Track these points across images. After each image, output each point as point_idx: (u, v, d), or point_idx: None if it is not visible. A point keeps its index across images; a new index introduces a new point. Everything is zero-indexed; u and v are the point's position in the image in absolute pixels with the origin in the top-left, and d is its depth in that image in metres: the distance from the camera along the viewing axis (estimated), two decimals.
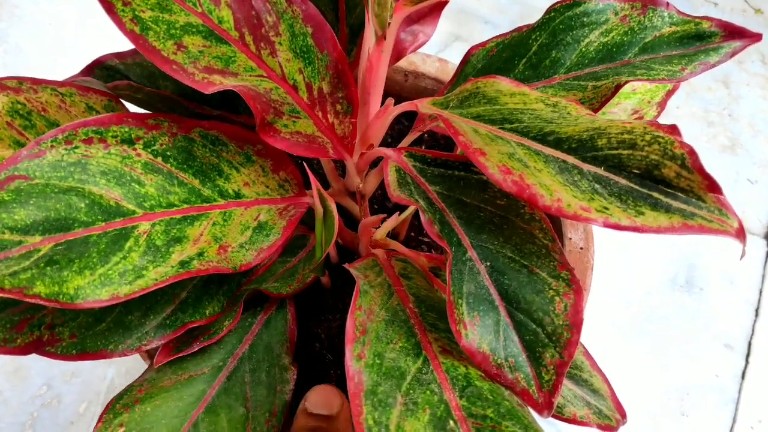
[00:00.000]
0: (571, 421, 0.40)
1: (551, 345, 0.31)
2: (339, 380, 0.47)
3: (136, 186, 0.34)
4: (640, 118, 0.46)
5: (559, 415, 0.40)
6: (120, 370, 0.77)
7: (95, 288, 0.30)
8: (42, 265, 0.29)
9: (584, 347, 0.41)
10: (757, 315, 0.82)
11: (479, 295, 0.32)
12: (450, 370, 0.31)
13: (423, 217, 0.33)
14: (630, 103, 0.48)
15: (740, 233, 0.29)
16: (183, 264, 0.33)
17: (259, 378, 0.43)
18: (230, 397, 0.42)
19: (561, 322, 0.31)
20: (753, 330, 0.81)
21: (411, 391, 0.30)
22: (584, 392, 0.40)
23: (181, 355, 0.41)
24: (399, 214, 0.43)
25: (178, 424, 0.40)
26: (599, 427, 0.39)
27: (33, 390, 0.75)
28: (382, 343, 0.32)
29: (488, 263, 0.33)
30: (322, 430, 0.39)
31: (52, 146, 0.33)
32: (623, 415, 0.40)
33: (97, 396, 0.75)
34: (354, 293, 0.34)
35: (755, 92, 0.98)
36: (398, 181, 0.37)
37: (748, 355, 0.80)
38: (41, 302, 0.28)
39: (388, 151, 0.39)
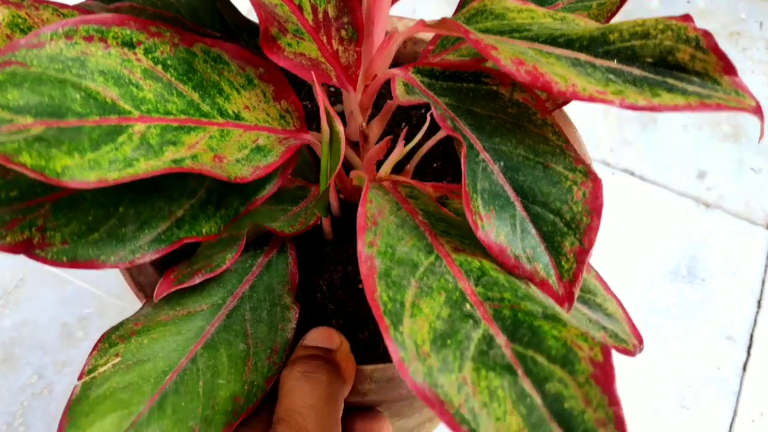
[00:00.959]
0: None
1: (570, 233, 0.30)
2: (341, 329, 0.46)
3: (134, 89, 0.34)
4: None
5: None
6: None
7: (83, 170, 0.29)
8: (31, 140, 0.28)
9: (597, 272, 0.40)
10: (759, 306, 0.81)
11: (494, 192, 0.31)
12: (464, 264, 0.30)
13: (435, 113, 0.32)
14: None
15: (758, 110, 0.28)
16: (175, 161, 0.32)
17: (260, 316, 0.41)
18: (230, 334, 0.40)
19: (580, 209, 0.30)
20: (755, 321, 0.80)
21: (425, 278, 0.29)
22: (599, 316, 0.39)
23: (182, 286, 0.40)
24: (404, 146, 0.42)
25: (176, 357, 0.38)
26: (617, 350, 0.38)
27: (23, 379, 0.73)
28: (393, 238, 0.31)
29: (501, 163, 0.32)
30: (321, 359, 0.38)
31: (51, 39, 0.32)
32: (640, 341, 0.39)
33: None
34: (363, 193, 0.33)
35: (759, 79, 0.98)
36: (406, 92, 0.36)
37: (749, 348, 0.79)
38: (26, 172, 0.27)
39: (394, 71, 0.38)
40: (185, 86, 0.36)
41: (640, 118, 0.95)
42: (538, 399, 0.24)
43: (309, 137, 0.42)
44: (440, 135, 0.48)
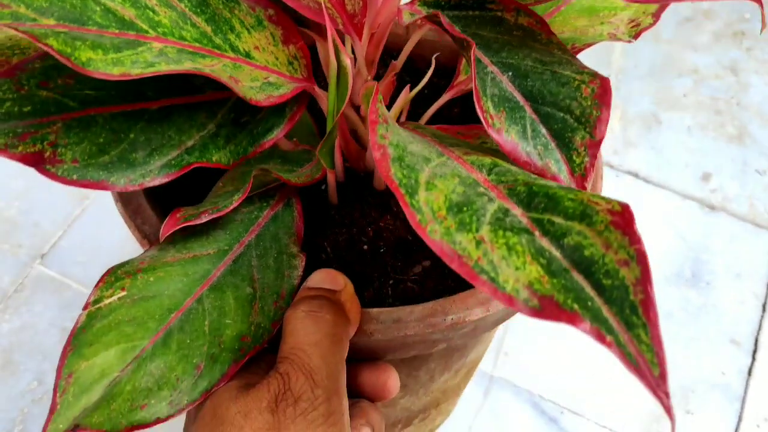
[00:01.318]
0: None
1: (580, 127, 0.30)
2: None
3: (151, 13, 0.34)
4: (637, 25, 0.46)
5: None
6: None
7: (107, 65, 0.29)
8: (57, 31, 0.28)
9: None
10: (764, 310, 0.80)
11: (503, 97, 0.32)
12: (475, 162, 0.30)
13: (443, 21, 0.33)
14: (627, 14, 0.49)
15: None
16: (195, 67, 0.32)
17: (267, 263, 0.41)
18: (237, 278, 0.40)
19: (589, 103, 0.31)
20: (760, 325, 0.79)
21: (437, 168, 0.29)
22: None
23: (188, 224, 0.39)
24: (410, 90, 0.43)
25: (182, 297, 0.38)
26: None
27: (23, 385, 0.72)
28: (404, 140, 0.31)
29: (510, 73, 0.33)
30: (325, 299, 0.37)
31: None
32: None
33: None
34: (371, 104, 0.33)
35: (765, 80, 0.99)
36: (411, 16, 0.37)
37: (754, 352, 0.78)
38: (53, 53, 0.27)
39: (401, 6, 0.39)
40: (199, 18, 0.37)
41: (644, 119, 0.95)
42: (557, 252, 0.23)
43: (317, 89, 0.42)
44: (443, 99, 0.49)
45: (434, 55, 0.45)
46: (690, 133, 0.94)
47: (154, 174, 0.36)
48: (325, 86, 0.42)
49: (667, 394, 0.20)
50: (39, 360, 0.74)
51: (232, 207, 0.40)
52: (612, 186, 0.89)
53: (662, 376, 0.21)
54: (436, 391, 0.55)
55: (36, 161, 0.33)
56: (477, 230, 0.24)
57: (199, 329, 0.37)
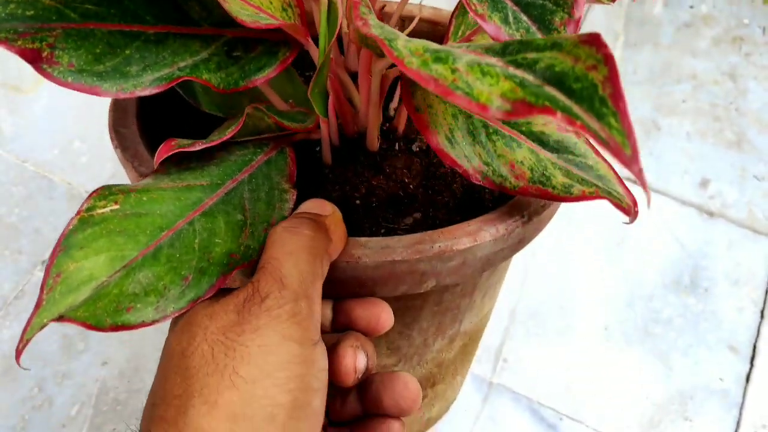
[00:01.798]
0: (581, 198, 0.39)
1: (558, 9, 0.32)
2: None
3: None
4: None
5: (568, 195, 0.39)
6: (113, 372, 0.74)
7: None
8: None
9: (587, 138, 0.41)
10: (762, 316, 0.80)
11: None
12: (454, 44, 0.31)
13: None
14: None
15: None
16: None
17: (259, 196, 0.42)
18: (228, 206, 0.41)
19: None
20: (758, 332, 0.79)
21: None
22: (590, 177, 0.39)
23: (183, 150, 0.40)
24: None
25: (174, 218, 0.39)
26: (614, 204, 0.38)
27: (24, 392, 0.72)
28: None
29: None
30: (307, 218, 0.38)
31: None
32: (634, 203, 0.39)
33: (89, 398, 0.72)
34: None
35: (763, 86, 0.99)
36: None
37: (753, 358, 0.77)
38: None
39: None
40: None
41: (643, 125, 0.96)
42: (529, 75, 0.24)
43: (310, 41, 0.44)
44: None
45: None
46: (689, 139, 0.95)
47: (146, 85, 0.37)
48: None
49: (640, 170, 0.21)
50: (40, 366, 0.74)
51: (226, 137, 0.41)
52: None
53: (634, 155, 0.21)
54: (431, 362, 0.55)
55: (33, 58, 0.34)
56: (453, 63, 0.25)
57: (189, 246, 0.38)
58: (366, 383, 0.40)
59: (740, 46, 1.05)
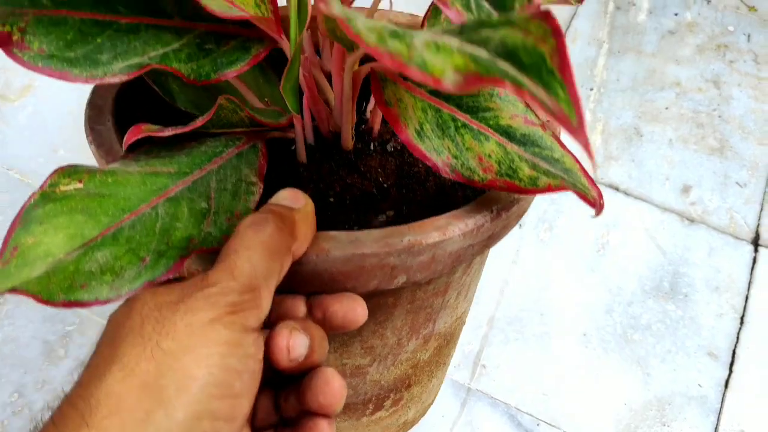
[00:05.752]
0: (547, 190, 0.39)
1: None
2: None
3: None
4: None
5: (534, 188, 0.40)
6: None
7: None
8: None
9: (553, 131, 0.42)
10: (742, 323, 0.80)
11: None
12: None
13: None
14: None
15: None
16: None
17: (225, 186, 0.42)
18: (194, 194, 0.41)
19: None
20: (738, 338, 0.79)
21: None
22: (556, 169, 0.40)
23: (153, 134, 0.41)
24: None
25: (137, 202, 0.39)
26: (579, 196, 0.38)
27: (3, 398, 0.71)
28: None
29: None
30: (273, 214, 0.38)
31: None
32: (599, 196, 0.39)
33: None
34: None
35: (747, 93, 1.00)
36: None
37: (731, 365, 0.78)
38: None
39: None
40: None
41: (625, 133, 0.97)
42: (483, 51, 0.25)
43: (284, 44, 0.44)
44: None
45: None
46: (671, 146, 0.95)
47: (116, 72, 0.37)
48: None
49: (586, 140, 0.21)
50: (20, 373, 0.73)
51: (197, 125, 0.41)
52: None
53: (580, 125, 0.22)
54: (405, 362, 0.55)
55: (4, 41, 0.34)
56: (410, 40, 0.26)
57: (150, 229, 0.38)
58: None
59: (724, 53, 1.06)
